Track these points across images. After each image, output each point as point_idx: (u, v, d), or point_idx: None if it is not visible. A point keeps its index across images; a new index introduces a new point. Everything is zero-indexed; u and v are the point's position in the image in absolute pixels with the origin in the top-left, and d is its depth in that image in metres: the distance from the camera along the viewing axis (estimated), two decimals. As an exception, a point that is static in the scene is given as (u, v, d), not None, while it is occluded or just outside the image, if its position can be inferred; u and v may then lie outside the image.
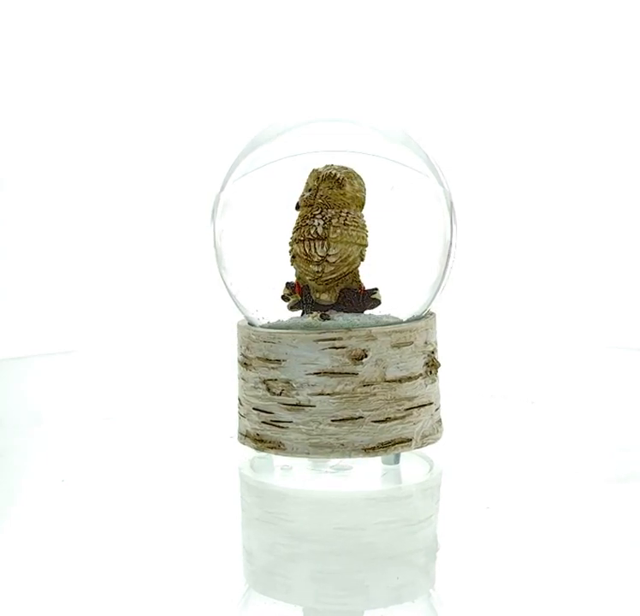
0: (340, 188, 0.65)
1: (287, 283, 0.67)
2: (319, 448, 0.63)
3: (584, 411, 0.89)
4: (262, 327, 0.66)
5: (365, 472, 0.67)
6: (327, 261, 0.64)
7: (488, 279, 1.36)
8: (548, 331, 1.33)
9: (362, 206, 0.66)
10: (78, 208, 1.42)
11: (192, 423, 0.87)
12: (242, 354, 0.68)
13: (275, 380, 0.64)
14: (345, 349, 0.62)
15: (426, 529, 0.60)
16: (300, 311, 0.67)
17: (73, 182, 1.42)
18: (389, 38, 1.41)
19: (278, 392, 0.64)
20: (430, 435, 0.66)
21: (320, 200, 0.65)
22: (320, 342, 0.63)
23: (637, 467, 0.70)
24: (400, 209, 0.67)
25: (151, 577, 0.53)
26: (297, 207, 0.66)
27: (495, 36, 1.40)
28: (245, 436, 0.68)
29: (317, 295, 0.65)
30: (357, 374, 0.63)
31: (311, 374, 0.63)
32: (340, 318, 0.64)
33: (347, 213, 0.64)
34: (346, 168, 0.66)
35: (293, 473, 0.67)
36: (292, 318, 0.66)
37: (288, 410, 0.64)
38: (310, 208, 0.65)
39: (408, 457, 0.69)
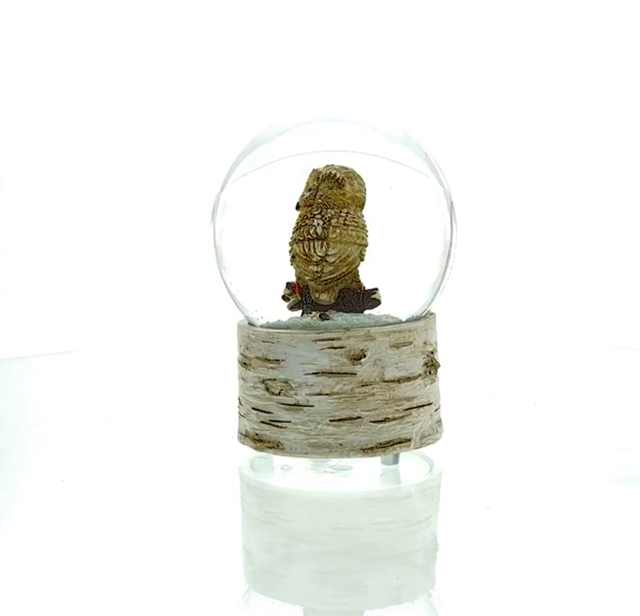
0: (340, 188, 0.65)
1: (288, 283, 0.67)
2: (317, 448, 0.63)
3: (584, 410, 0.89)
4: (261, 327, 0.67)
5: (365, 472, 0.67)
6: (326, 261, 0.64)
7: (488, 279, 1.36)
8: (548, 331, 1.33)
9: (362, 206, 0.66)
10: (78, 208, 1.42)
11: (193, 422, 0.87)
12: (242, 354, 0.68)
13: (274, 380, 0.64)
14: (343, 349, 0.62)
15: (426, 529, 0.60)
16: (300, 311, 0.67)
17: (73, 182, 1.42)
18: (389, 39, 1.41)
19: (277, 392, 0.64)
20: (430, 436, 0.66)
21: (320, 200, 0.65)
22: (318, 342, 0.63)
23: (636, 467, 0.70)
24: (400, 209, 0.67)
25: (151, 576, 0.53)
26: (297, 207, 0.66)
27: (495, 36, 1.40)
28: (245, 436, 0.68)
29: (317, 295, 0.65)
30: (355, 374, 0.63)
31: (309, 374, 0.63)
32: (340, 318, 0.64)
33: (347, 213, 0.64)
34: (346, 168, 0.66)
35: (293, 473, 0.67)
36: (291, 318, 0.66)
37: (287, 410, 0.64)
38: (309, 208, 0.65)
39: (408, 457, 0.69)
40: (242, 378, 0.68)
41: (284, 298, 0.67)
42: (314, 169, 0.66)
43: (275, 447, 0.65)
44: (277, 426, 0.64)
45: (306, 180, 0.66)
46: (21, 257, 1.40)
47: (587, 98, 1.38)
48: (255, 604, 0.50)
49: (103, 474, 0.72)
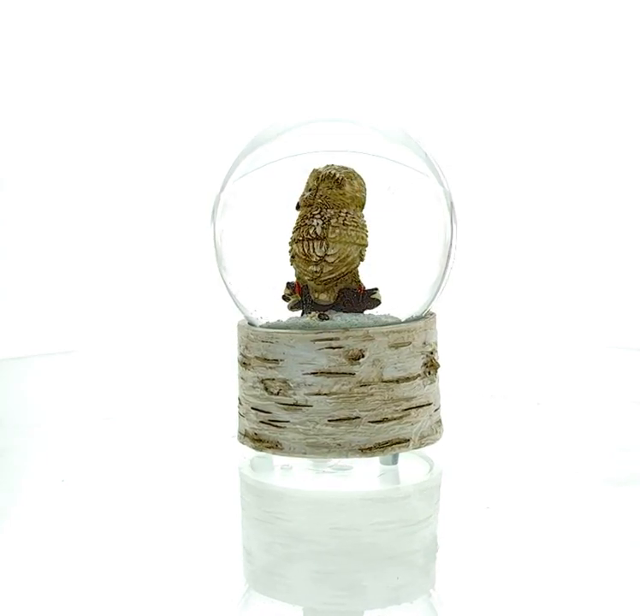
0: (340, 188, 0.65)
1: (288, 283, 0.67)
2: (316, 448, 0.63)
3: (584, 410, 0.89)
4: (261, 327, 0.67)
5: (365, 472, 0.67)
6: (325, 261, 0.64)
7: (488, 279, 1.36)
8: (547, 331, 1.33)
9: (362, 206, 0.66)
10: (78, 208, 1.42)
11: (193, 422, 0.87)
12: (241, 354, 0.68)
13: (273, 379, 0.64)
14: (342, 349, 0.62)
15: (425, 529, 0.60)
16: (300, 311, 0.67)
17: (73, 182, 1.42)
18: (389, 39, 1.41)
19: (276, 391, 0.64)
20: (429, 436, 0.66)
21: (319, 200, 0.65)
22: (317, 342, 0.63)
23: (637, 467, 0.70)
24: (400, 209, 0.67)
25: (151, 576, 0.53)
26: (297, 207, 0.66)
27: (495, 36, 1.40)
28: (245, 436, 0.68)
29: (316, 295, 0.65)
30: (354, 374, 0.63)
31: (308, 374, 0.63)
32: (339, 318, 0.64)
33: (346, 213, 0.64)
34: (347, 168, 0.66)
35: (293, 473, 0.67)
36: (291, 318, 0.66)
37: (286, 409, 0.64)
38: (309, 208, 0.65)
39: (408, 457, 0.69)
40: (242, 378, 0.68)
41: (284, 298, 0.67)
42: (314, 169, 0.66)
43: (274, 446, 0.65)
44: (276, 426, 0.64)
45: (307, 180, 0.66)
46: (21, 257, 1.40)
47: (587, 98, 1.38)
48: (255, 604, 0.50)
49: (103, 474, 0.72)
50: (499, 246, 1.40)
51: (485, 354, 1.22)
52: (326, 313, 0.64)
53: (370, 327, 0.63)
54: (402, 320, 0.65)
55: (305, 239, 0.64)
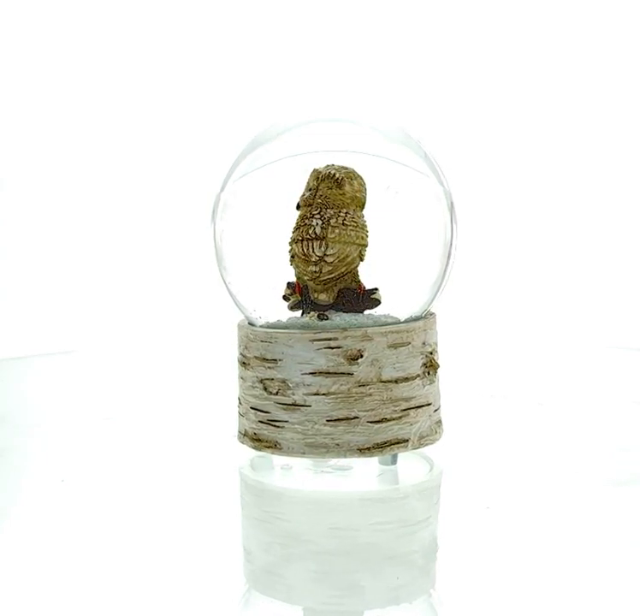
0: (340, 188, 0.65)
1: (288, 283, 0.67)
2: (314, 448, 0.63)
3: (584, 410, 0.89)
4: (261, 326, 0.67)
5: (365, 472, 0.67)
6: (325, 261, 0.64)
7: (488, 279, 1.36)
8: (547, 331, 1.33)
9: (362, 206, 0.66)
10: (78, 208, 1.42)
11: (193, 422, 0.87)
12: (241, 353, 0.68)
13: (272, 379, 0.64)
14: (340, 349, 0.62)
15: (425, 529, 0.60)
16: (301, 311, 0.67)
17: (73, 182, 1.42)
18: (389, 38, 1.41)
19: (274, 391, 0.64)
20: (428, 436, 0.66)
21: (319, 200, 0.65)
22: (315, 342, 0.63)
23: (637, 467, 0.70)
24: (400, 209, 0.67)
25: (151, 576, 0.53)
26: (298, 207, 0.66)
27: (495, 36, 1.40)
28: (244, 435, 0.68)
29: (316, 295, 0.65)
30: (352, 374, 0.63)
31: (306, 374, 0.63)
32: (338, 318, 0.64)
33: (346, 213, 0.64)
34: (347, 168, 0.66)
35: (293, 472, 0.67)
36: (290, 318, 0.66)
37: (284, 409, 0.64)
38: (309, 208, 0.65)
39: (409, 457, 0.69)
40: (241, 378, 0.68)
41: (285, 298, 0.67)
42: (314, 169, 0.66)
43: (273, 446, 0.65)
44: (275, 426, 0.64)
45: (307, 180, 0.66)
46: (21, 257, 1.40)
47: (587, 98, 1.38)
48: (255, 604, 0.50)
49: (103, 474, 0.72)
50: (499, 246, 1.40)
51: (485, 354, 1.22)
52: (325, 313, 0.64)
53: (368, 327, 0.63)
54: (402, 320, 0.65)
55: (304, 239, 0.64)
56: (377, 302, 0.65)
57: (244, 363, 0.67)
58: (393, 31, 1.41)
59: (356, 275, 0.65)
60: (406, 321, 0.65)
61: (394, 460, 0.67)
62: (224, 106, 1.41)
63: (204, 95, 1.43)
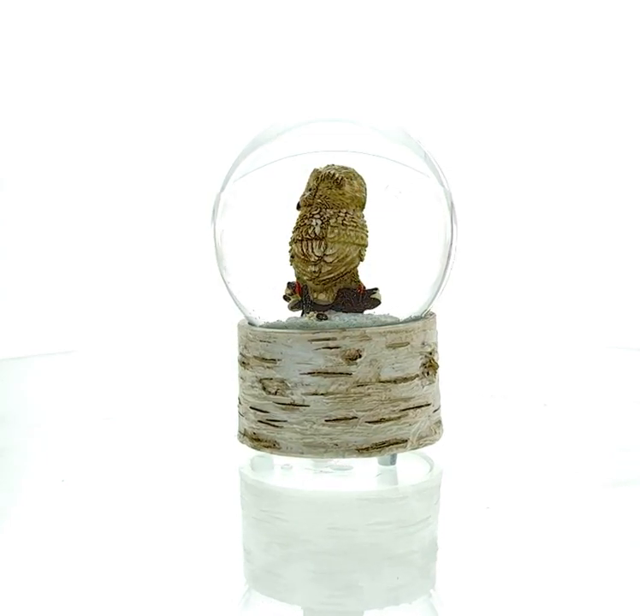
0: (339, 188, 0.64)
1: (289, 283, 0.67)
2: (313, 448, 0.63)
3: (584, 410, 0.89)
4: (260, 326, 0.67)
5: (365, 473, 0.67)
6: (324, 261, 0.64)
7: (488, 279, 1.36)
8: (547, 331, 1.33)
9: (362, 206, 0.65)
10: (78, 208, 1.42)
11: (193, 422, 0.87)
12: (241, 353, 0.68)
13: (271, 379, 0.64)
14: (339, 349, 0.62)
15: (424, 530, 0.59)
16: (300, 311, 0.67)
17: (73, 182, 1.42)
18: (389, 38, 1.41)
19: (273, 391, 0.64)
20: (428, 437, 0.66)
21: (319, 200, 0.65)
22: (314, 342, 0.63)
23: (637, 467, 0.70)
24: (400, 209, 0.67)
25: (151, 576, 0.53)
26: (298, 207, 0.66)
27: (495, 36, 1.40)
28: (244, 435, 0.68)
29: (315, 295, 0.65)
30: (351, 374, 0.63)
31: (305, 373, 0.63)
32: (338, 318, 0.64)
33: (346, 213, 0.64)
34: (347, 168, 0.66)
35: (293, 472, 0.67)
36: (290, 318, 0.66)
37: (283, 409, 0.64)
38: (309, 208, 0.65)
39: (409, 457, 0.69)
40: (241, 377, 0.68)
41: (285, 298, 0.67)
42: (315, 169, 0.66)
43: (272, 446, 0.65)
44: (274, 425, 0.64)
45: (307, 180, 0.66)
46: (21, 257, 1.40)
47: (587, 98, 1.38)
48: (255, 604, 0.50)
49: (103, 474, 0.72)
50: (499, 246, 1.40)
51: (485, 354, 1.22)
52: (325, 313, 0.64)
53: (367, 327, 0.63)
54: (402, 320, 0.65)
55: (303, 239, 0.64)
56: (377, 302, 0.65)
57: (243, 362, 0.67)
58: (392, 31, 1.41)
59: (356, 275, 0.65)
60: (406, 321, 0.65)
61: (393, 460, 0.67)
62: (224, 106, 1.41)
63: (204, 95, 1.43)
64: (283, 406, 0.64)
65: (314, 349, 0.63)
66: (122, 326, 1.37)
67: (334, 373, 0.62)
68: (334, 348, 0.62)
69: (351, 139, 0.70)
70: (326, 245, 0.64)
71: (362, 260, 0.65)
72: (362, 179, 0.66)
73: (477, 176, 1.37)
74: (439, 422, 0.67)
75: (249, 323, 0.68)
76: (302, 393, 0.63)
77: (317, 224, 0.64)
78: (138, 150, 1.43)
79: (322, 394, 0.63)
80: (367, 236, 0.65)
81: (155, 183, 1.43)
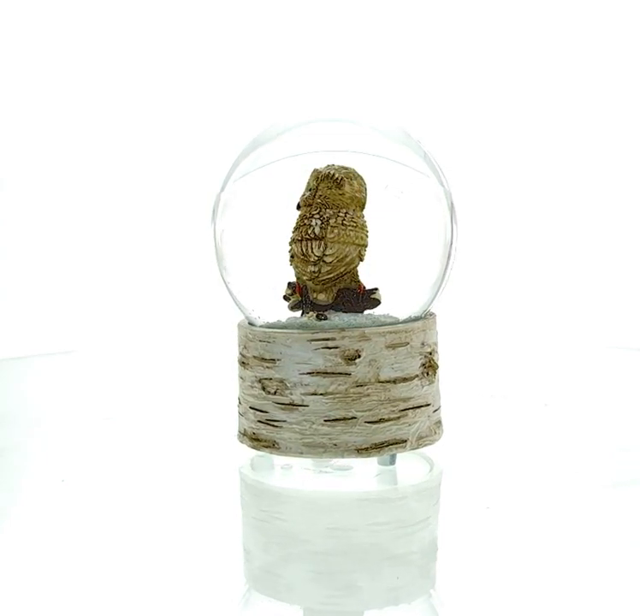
0: (339, 188, 0.64)
1: (289, 283, 0.67)
2: (312, 448, 0.63)
3: (584, 410, 0.89)
4: (260, 326, 0.67)
5: (365, 473, 0.67)
6: (323, 261, 0.64)
7: (488, 279, 1.36)
8: (547, 331, 1.33)
9: (362, 206, 0.65)
10: (78, 208, 1.42)
11: (193, 422, 0.87)
12: (240, 353, 0.68)
13: (270, 379, 0.64)
14: (338, 349, 0.62)
15: (424, 530, 0.59)
16: (300, 311, 0.67)
17: (73, 182, 1.42)
18: (389, 38, 1.41)
19: (273, 391, 0.64)
20: (427, 437, 0.66)
21: (319, 200, 0.65)
22: (313, 342, 0.63)
23: (637, 467, 0.70)
24: (400, 209, 0.67)
25: (151, 576, 0.53)
26: (298, 207, 0.66)
27: (495, 36, 1.40)
28: (244, 435, 0.68)
29: (315, 295, 0.65)
30: (350, 374, 0.63)
31: (304, 374, 0.63)
32: (337, 318, 0.64)
33: (345, 213, 0.64)
34: (347, 169, 0.66)
35: (293, 472, 0.67)
36: (290, 318, 0.66)
37: (282, 409, 0.64)
38: (309, 208, 0.65)
39: (409, 457, 0.69)
40: (241, 377, 0.68)
41: (285, 298, 0.67)
42: (315, 169, 0.66)
43: (271, 446, 0.65)
44: (273, 425, 0.64)
45: (307, 180, 0.66)
46: (21, 257, 1.40)
47: (587, 98, 1.38)
48: (255, 604, 0.50)
49: (103, 474, 0.72)
50: (499, 246, 1.40)
51: (485, 354, 1.22)
52: (324, 313, 0.64)
53: (366, 327, 0.63)
54: (401, 320, 0.65)
55: (303, 239, 0.64)
56: (377, 302, 0.65)
57: (243, 362, 0.67)
58: (392, 31, 1.41)
59: (355, 275, 0.65)
60: (405, 321, 0.65)
61: (392, 461, 0.67)
62: (224, 106, 1.41)
63: (204, 95, 1.43)
64: (282, 406, 0.64)
65: (313, 349, 0.63)
66: (122, 326, 1.37)
67: (333, 373, 0.62)
68: (334, 348, 0.62)
69: (351, 139, 0.70)
70: (326, 245, 0.64)
71: (362, 260, 0.65)
72: (362, 179, 0.66)
73: (477, 176, 1.37)
74: (439, 422, 0.67)
75: (249, 323, 0.68)
76: (301, 394, 0.63)
77: (316, 224, 0.64)
78: (138, 150, 1.43)
79: (321, 394, 0.63)
80: (367, 236, 0.65)
81: (155, 183, 1.43)
